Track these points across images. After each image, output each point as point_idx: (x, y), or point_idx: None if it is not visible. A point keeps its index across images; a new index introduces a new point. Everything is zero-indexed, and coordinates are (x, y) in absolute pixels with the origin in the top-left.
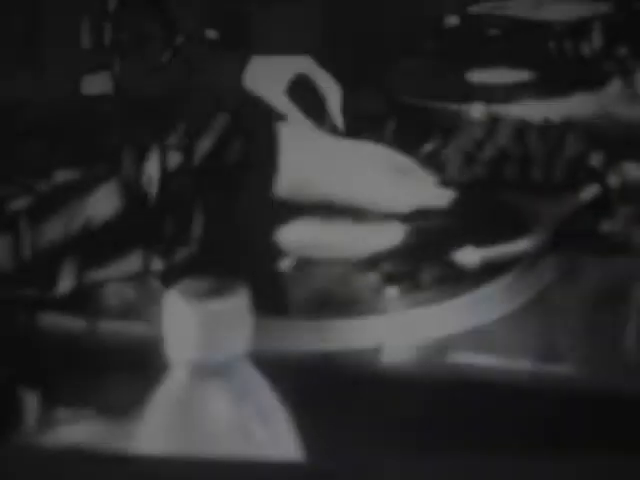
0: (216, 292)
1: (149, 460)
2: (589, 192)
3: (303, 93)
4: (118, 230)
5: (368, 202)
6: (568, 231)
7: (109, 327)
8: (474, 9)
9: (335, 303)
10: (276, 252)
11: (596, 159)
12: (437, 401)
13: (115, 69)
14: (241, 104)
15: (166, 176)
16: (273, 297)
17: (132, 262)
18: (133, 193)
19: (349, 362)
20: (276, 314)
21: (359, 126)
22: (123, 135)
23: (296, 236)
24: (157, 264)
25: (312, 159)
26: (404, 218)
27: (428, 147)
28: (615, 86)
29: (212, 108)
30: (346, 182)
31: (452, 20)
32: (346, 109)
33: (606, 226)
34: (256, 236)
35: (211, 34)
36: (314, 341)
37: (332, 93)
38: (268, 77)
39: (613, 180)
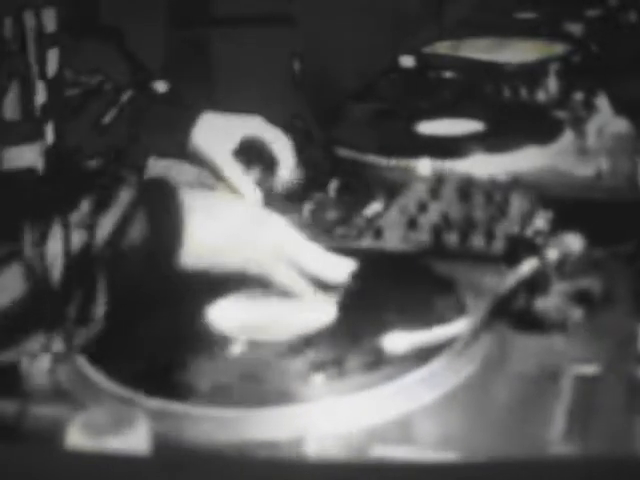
0: (115, 426)
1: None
2: (528, 266)
3: (250, 155)
4: (21, 312)
5: (272, 271)
6: (504, 309)
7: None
8: (430, 49)
9: (257, 390)
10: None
11: (542, 219)
12: None
13: (47, 137)
14: (144, 179)
15: (70, 255)
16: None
17: (34, 343)
18: (36, 274)
19: (270, 453)
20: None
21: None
22: (26, 213)
23: (222, 315)
24: (58, 345)
25: (220, 227)
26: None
27: (371, 209)
28: (566, 139)
29: (116, 184)
30: (252, 251)
31: (407, 61)
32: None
33: (541, 303)
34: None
35: (162, 87)
36: (233, 431)
37: (283, 151)
38: (217, 136)
39: (552, 254)
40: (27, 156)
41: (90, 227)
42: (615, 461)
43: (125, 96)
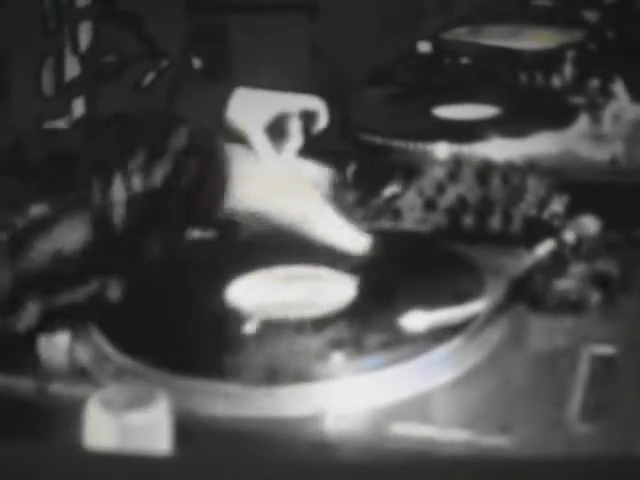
0: (136, 402)
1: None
2: (545, 248)
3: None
4: (86, 258)
5: (303, 225)
6: (522, 290)
7: (58, 389)
8: (448, 35)
9: (279, 368)
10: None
11: (559, 203)
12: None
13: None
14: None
15: (130, 200)
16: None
17: (92, 287)
18: (102, 221)
19: (290, 430)
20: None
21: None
22: (89, 166)
23: (244, 292)
24: (115, 288)
25: (264, 178)
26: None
27: (389, 191)
28: (582, 124)
29: (167, 132)
30: (290, 204)
31: (424, 47)
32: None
33: (559, 285)
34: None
35: (196, 63)
36: (256, 407)
37: (319, 111)
38: (250, 111)
39: (569, 236)
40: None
41: (146, 173)
42: (615, 461)
43: (163, 63)
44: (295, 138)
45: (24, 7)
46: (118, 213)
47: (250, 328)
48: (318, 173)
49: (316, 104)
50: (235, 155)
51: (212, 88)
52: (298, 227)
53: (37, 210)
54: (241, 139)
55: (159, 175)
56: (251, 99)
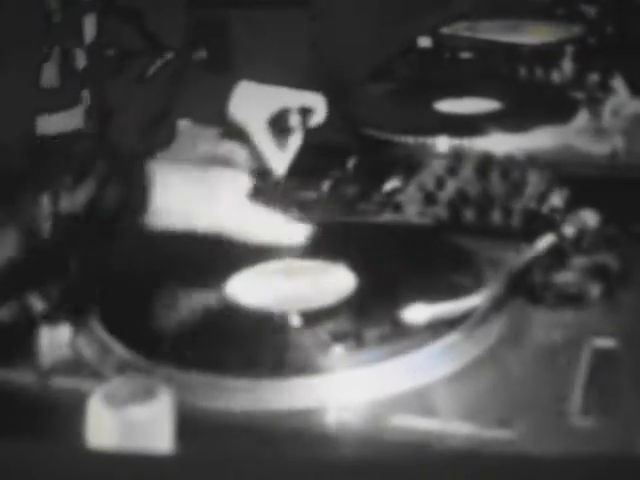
0: (139, 396)
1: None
2: (545, 241)
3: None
4: (16, 271)
5: (232, 232)
6: (521, 283)
7: (59, 383)
8: (447, 30)
9: (280, 362)
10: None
11: (558, 197)
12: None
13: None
14: (116, 150)
15: (57, 220)
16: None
17: (16, 305)
18: (29, 237)
19: (291, 422)
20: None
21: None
22: (19, 180)
23: (243, 286)
24: (38, 305)
25: (186, 190)
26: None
27: (390, 185)
28: (582, 119)
29: (93, 154)
30: (213, 212)
31: (424, 42)
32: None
33: (559, 277)
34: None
35: (200, 55)
36: (258, 401)
37: (317, 106)
38: (252, 106)
39: (568, 229)
40: (69, 121)
41: (72, 193)
42: (616, 461)
43: (166, 56)
44: (297, 135)
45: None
46: (44, 231)
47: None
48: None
49: (316, 100)
50: (157, 172)
51: (214, 81)
52: (226, 236)
53: None
54: (240, 134)
55: (81, 198)
56: (253, 93)
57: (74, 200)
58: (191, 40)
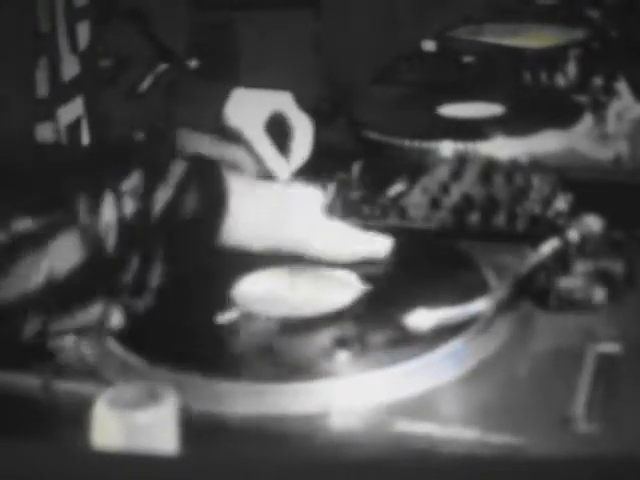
0: (144, 400)
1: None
2: (549, 246)
3: (277, 130)
4: (80, 280)
5: (313, 250)
6: (526, 288)
7: (64, 387)
8: (452, 34)
9: (284, 366)
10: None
11: (563, 202)
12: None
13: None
14: (194, 155)
15: (123, 224)
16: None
17: (93, 312)
18: (92, 241)
19: (296, 427)
20: (221, 373)
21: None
22: (78, 182)
23: (249, 290)
24: (117, 315)
25: (261, 208)
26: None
27: (395, 189)
28: (586, 124)
29: (167, 156)
30: (291, 230)
31: (428, 46)
32: (317, 147)
33: (564, 282)
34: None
35: (194, 63)
36: (262, 405)
37: (303, 131)
38: (248, 111)
39: (573, 234)
40: (49, 132)
41: (142, 197)
42: (620, 465)
43: (159, 68)
44: (302, 141)
45: (13, 10)
46: (110, 235)
47: (227, 317)
48: (310, 192)
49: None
50: (234, 184)
51: (209, 90)
52: (304, 253)
53: (21, 225)
54: (238, 140)
55: (160, 202)
56: (248, 99)
57: (147, 204)
58: (191, 44)
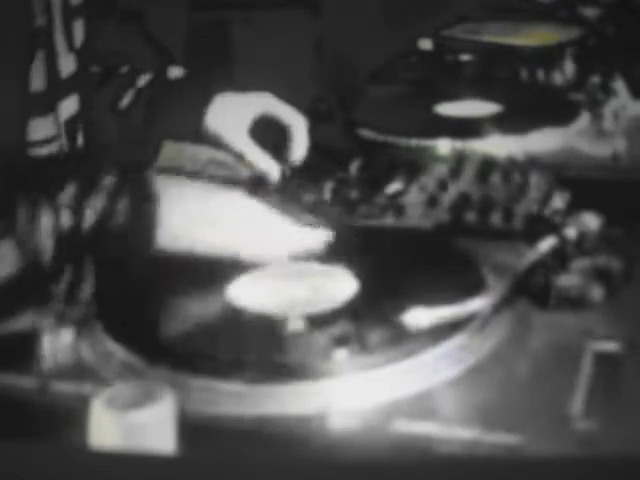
0: (141, 400)
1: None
2: (546, 244)
3: (266, 131)
4: (14, 288)
5: (246, 252)
6: (524, 286)
7: (61, 387)
8: (448, 32)
9: (282, 366)
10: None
11: (560, 200)
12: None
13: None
14: (125, 165)
15: (60, 236)
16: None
17: (23, 321)
18: (28, 252)
19: (294, 428)
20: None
21: (323, 164)
22: (17, 193)
23: (246, 290)
24: (49, 323)
25: (192, 210)
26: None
27: (392, 188)
28: (583, 121)
29: (99, 169)
30: (221, 233)
31: (425, 44)
32: (313, 145)
33: (561, 280)
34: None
35: (175, 73)
36: (260, 406)
37: (297, 127)
38: (230, 116)
39: (570, 232)
40: (45, 128)
41: (75, 210)
42: (620, 464)
43: (142, 80)
44: (298, 130)
45: (9, 3)
46: (46, 247)
47: (294, 326)
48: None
49: (294, 116)
50: (164, 188)
51: (190, 97)
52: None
53: None
54: (222, 147)
55: (91, 213)
56: (229, 105)
57: (80, 216)
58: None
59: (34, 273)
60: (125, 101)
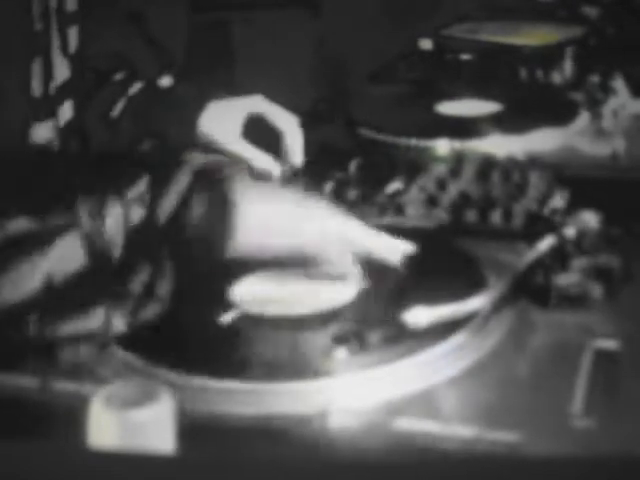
0: (140, 399)
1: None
2: (546, 243)
3: (259, 133)
4: (81, 285)
5: (321, 259)
6: (524, 285)
7: (62, 387)
8: (448, 31)
9: (282, 365)
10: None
11: (559, 199)
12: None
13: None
14: (201, 164)
15: (129, 231)
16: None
17: (95, 319)
18: (95, 247)
19: (293, 427)
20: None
21: (323, 164)
22: (80, 187)
23: (247, 290)
24: (120, 322)
25: (265, 217)
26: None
27: (392, 187)
28: (582, 120)
29: (173, 165)
30: (298, 239)
31: (426, 44)
32: (312, 145)
33: (561, 279)
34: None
35: (165, 81)
36: (259, 405)
37: (290, 128)
38: (222, 121)
39: (570, 231)
40: (43, 133)
41: (148, 205)
42: (620, 462)
43: (133, 89)
44: (291, 130)
45: (8, 7)
46: (115, 243)
47: (227, 318)
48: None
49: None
50: (241, 191)
51: (183, 106)
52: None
53: (16, 225)
54: (218, 151)
55: (165, 211)
56: (220, 110)
57: (152, 212)
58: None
59: (104, 269)
60: (116, 111)
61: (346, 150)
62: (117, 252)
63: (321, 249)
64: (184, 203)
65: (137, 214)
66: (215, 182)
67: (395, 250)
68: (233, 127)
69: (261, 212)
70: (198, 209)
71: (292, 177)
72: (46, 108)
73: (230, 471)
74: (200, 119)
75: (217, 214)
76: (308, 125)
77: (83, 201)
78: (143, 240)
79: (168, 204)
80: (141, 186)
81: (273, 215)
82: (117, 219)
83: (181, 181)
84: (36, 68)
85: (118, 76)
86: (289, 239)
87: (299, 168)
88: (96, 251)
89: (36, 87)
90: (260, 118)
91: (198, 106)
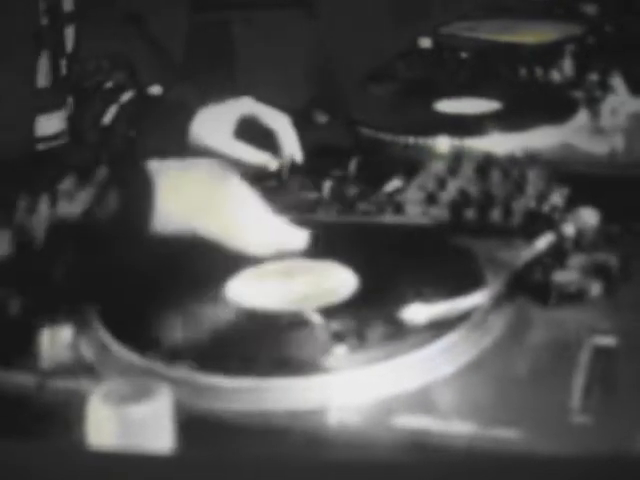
0: (139, 396)
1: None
2: (545, 240)
3: (251, 134)
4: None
5: (234, 242)
6: (522, 282)
7: (60, 383)
8: (447, 30)
9: (281, 362)
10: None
11: (558, 196)
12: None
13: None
14: (118, 157)
15: (52, 223)
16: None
17: (14, 307)
18: (23, 238)
19: (293, 423)
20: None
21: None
22: (17, 185)
23: (243, 287)
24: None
25: (190, 196)
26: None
27: (391, 185)
28: (581, 118)
29: (95, 160)
30: (217, 219)
31: (425, 42)
32: (311, 142)
33: (559, 276)
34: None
35: (156, 89)
36: (259, 401)
37: (282, 127)
38: (213, 125)
39: (568, 228)
40: (54, 123)
41: (71, 199)
42: (617, 459)
43: (124, 97)
44: (283, 129)
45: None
46: (39, 235)
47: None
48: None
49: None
50: (159, 173)
51: (172, 113)
52: (226, 242)
53: None
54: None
55: (80, 204)
56: (210, 115)
57: (72, 206)
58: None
59: (26, 257)
60: (106, 118)
61: (345, 148)
62: (39, 242)
63: (231, 236)
64: (102, 192)
65: (63, 208)
66: (132, 167)
67: (296, 239)
68: (225, 130)
69: (182, 193)
70: (114, 197)
71: (290, 174)
72: (53, 100)
73: (229, 469)
74: (189, 127)
75: (136, 193)
76: (302, 125)
77: (20, 199)
78: (60, 232)
79: (86, 196)
80: (68, 181)
81: (194, 197)
82: (44, 212)
83: (99, 175)
84: (43, 59)
85: (108, 85)
86: (208, 219)
87: (298, 164)
88: (22, 241)
89: (43, 78)
90: (252, 120)
91: (190, 112)
